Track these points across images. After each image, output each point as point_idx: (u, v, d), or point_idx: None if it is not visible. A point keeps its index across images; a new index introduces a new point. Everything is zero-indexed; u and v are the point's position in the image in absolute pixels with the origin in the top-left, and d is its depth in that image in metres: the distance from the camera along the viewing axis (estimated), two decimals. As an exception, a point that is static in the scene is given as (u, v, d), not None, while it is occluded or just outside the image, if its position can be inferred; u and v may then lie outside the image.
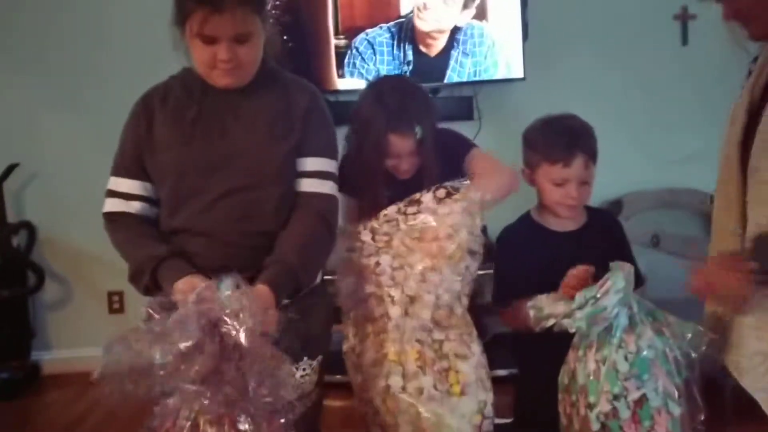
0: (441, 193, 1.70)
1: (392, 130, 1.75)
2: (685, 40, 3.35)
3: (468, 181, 1.72)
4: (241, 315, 1.31)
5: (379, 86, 1.89)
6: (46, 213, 3.41)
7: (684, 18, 3.32)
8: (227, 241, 1.54)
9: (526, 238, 1.84)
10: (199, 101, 1.58)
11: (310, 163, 1.62)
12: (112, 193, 1.63)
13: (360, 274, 1.74)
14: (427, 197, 1.71)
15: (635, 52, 3.32)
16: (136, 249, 1.57)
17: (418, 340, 1.67)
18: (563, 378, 1.59)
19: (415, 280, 1.68)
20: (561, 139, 1.75)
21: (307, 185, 1.61)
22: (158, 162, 1.58)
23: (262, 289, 1.44)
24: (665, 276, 1.91)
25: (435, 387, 1.64)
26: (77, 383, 3.27)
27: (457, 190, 1.71)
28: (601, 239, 1.82)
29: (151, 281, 1.52)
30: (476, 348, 1.70)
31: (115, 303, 3.46)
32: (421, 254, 1.67)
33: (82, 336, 3.45)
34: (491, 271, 1.85)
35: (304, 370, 1.59)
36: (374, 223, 1.74)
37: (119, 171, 1.63)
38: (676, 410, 1.49)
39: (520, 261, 1.78)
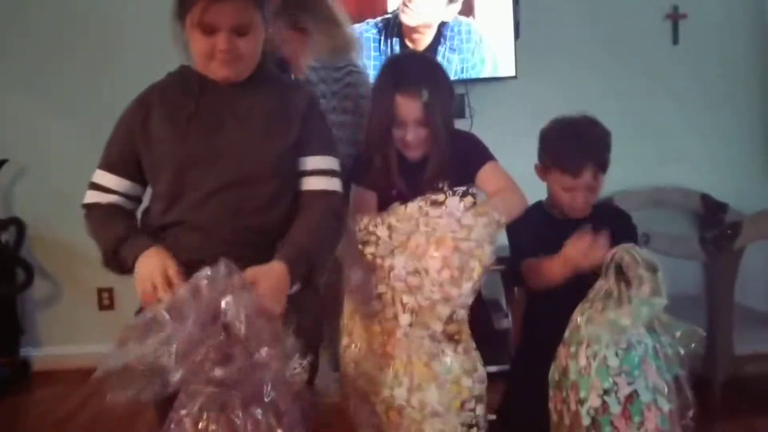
0: (468, 201, 1.66)
1: (399, 90, 1.76)
2: (676, 40, 3.36)
3: (489, 198, 1.71)
4: (240, 301, 1.33)
5: (397, 56, 1.93)
6: (36, 209, 3.39)
7: (675, 18, 3.34)
8: (220, 236, 1.54)
9: (536, 222, 1.86)
10: (197, 97, 1.59)
11: (313, 162, 1.64)
12: (93, 186, 1.64)
13: (371, 270, 1.70)
14: (452, 202, 1.66)
15: (627, 51, 3.33)
16: (102, 233, 1.59)
17: (426, 353, 1.63)
18: (554, 374, 1.59)
19: (431, 290, 1.61)
20: (573, 149, 1.78)
21: (312, 183, 1.63)
22: (154, 157, 1.59)
23: (277, 265, 1.47)
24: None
25: (439, 402, 1.61)
26: (67, 380, 3.26)
27: (481, 201, 1.68)
28: (609, 228, 1.83)
29: (115, 263, 1.55)
30: (480, 365, 1.67)
31: (105, 299, 3.44)
32: (441, 263, 1.61)
33: (71, 332, 3.45)
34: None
35: (294, 369, 1.59)
36: (392, 219, 1.69)
37: (104, 165, 1.65)
38: (666, 406, 1.50)
39: (530, 237, 1.80)
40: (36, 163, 3.38)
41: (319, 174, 1.63)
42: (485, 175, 1.81)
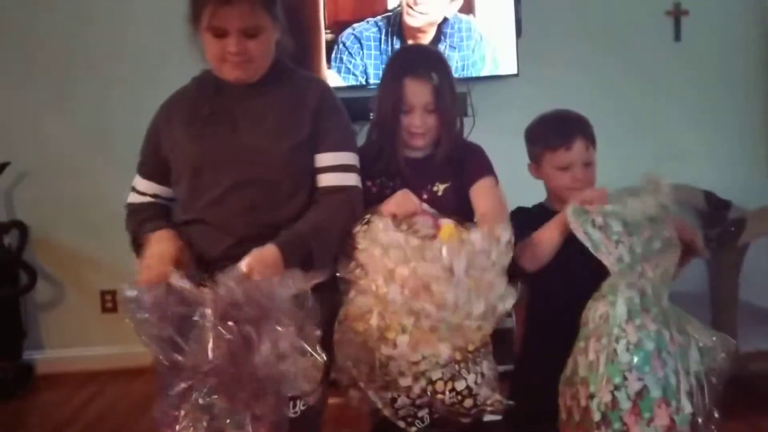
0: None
1: (408, 73, 1.75)
2: (677, 36, 3.36)
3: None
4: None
5: (405, 46, 1.95)
6: (38, 212, 3.39)
7: (676, 14, 3.33)
8: (236, 233, 1.59)
9: (537, 217, 1.85)
10: (212, 99, 1.65)
11: (329, 158, 1.66)
12: (133, 189, 1.75)
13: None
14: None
15: (628, 48, 3.32)
16: (130, 223, 1.70)
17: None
18: (566, 371, 1.59)
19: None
20: (558, 125, 1.85)
21: (328, 180, 1.66)
22: (176, 158, 1.65)
23: (270, 247, 1.51)
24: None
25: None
26: (70, 383, 3.26)
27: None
28: None
29: (136, 246, 1.63)
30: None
31: (108, 302, 3.44)
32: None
33: (75, 335, 3.44)
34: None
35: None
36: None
37: (139, 170, 1.75)
38: (688, 407, 1.49)
39: (529, 230, 1.79)
40: (39, 166, 3.37)
41: (333, 170, 1.66)
42: (480, 189, 1.80)
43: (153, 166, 1.71)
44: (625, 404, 1.48)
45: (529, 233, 1.76)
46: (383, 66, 1.90)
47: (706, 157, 3.37)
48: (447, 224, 1.64)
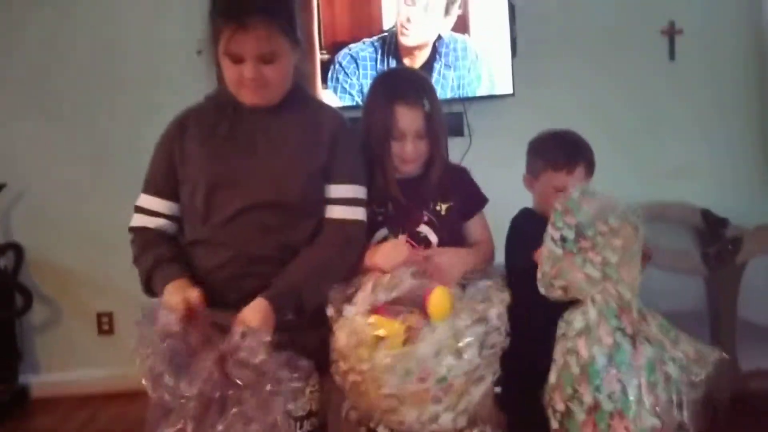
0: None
1: (399, 100, 1.72)
2: (672, 55, 3.37)
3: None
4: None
5: (391, 70, 2.05)
6: (34, 234, 3.38)
7: (671, 33, 3.35)
8: (246, 254, 1.58)
9: (532, 222, 1.88)
10: (231, 119, 1.65)
11: (339, 191, 1.66)
12: (139, 209, 1.69)
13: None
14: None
15: (623, 67, 3.33)
16: (140, 262, 1.65)
17: None
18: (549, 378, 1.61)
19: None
20: (566, 148, 1.88)
21: (335, 212, 1.65)
22: (189, 175, 1.64)
23: (261, 302, 1.50)
24: (656, 290, 1.90)
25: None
26: (66, 406, 3.24)
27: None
28: None
29: (149, 291, 1.61)
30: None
31: (104, 324, 3.42)
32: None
33: (71, 358, 3.42)
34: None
35: (313, 386, 1.57)
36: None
37: (148, 188, 1.70)
38: (650, 421, 1.49)
39: (530, 236, 1.79)
40: (34, 187, 3.37)
41: (341, 203, 1.66)
42: (475, 225, 1.85)
43: (167, 183, 1.67)
44: (580, 416, 1.50)
45: (531, 238, 1.75)
46: (374, 82, 1.86)
47: (704, 175, 3.38)
48: (440, 291, 1.58)
